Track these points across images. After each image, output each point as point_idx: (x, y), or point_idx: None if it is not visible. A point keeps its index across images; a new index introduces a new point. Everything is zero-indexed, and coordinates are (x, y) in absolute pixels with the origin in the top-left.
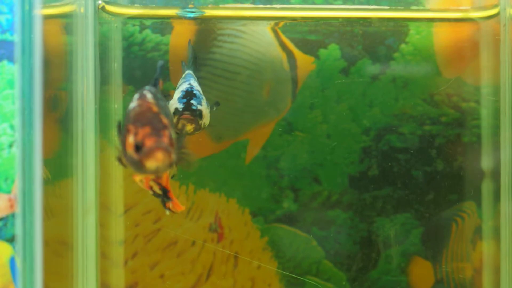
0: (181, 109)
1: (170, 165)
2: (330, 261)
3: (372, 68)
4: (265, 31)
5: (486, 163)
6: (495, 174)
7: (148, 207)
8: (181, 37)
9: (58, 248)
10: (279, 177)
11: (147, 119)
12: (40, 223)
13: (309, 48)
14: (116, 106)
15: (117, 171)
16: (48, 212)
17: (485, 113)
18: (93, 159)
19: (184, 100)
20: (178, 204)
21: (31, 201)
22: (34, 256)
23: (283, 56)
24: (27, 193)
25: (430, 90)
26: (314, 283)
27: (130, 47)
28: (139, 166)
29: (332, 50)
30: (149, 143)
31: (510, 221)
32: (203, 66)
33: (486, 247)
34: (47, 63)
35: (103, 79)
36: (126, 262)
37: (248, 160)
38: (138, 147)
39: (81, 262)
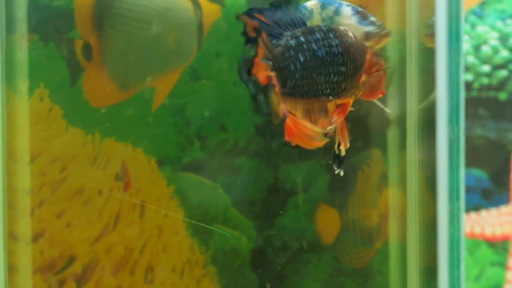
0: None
1: None
2: (236, 208)
3: None
4: None
5: (391, 110)
6: (401, 121)
7: (54, 156)
8: None
9: None
10: (186, 125)
11: None
12: None
13: None
14: (21, 55)
15: (23, 120)
16: None
17: (391, 60)
18: None
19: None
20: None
21: None
22: None
23: (188, 4)
24: None
25: None
26: (221, 231)
27: None
28: None
29: None
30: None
31: (416, 167)
32: (109, 14)
33: (392, 193)
34: None
35: (8, 28)
36: (32, 211)
37: (154, 108)
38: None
39: None
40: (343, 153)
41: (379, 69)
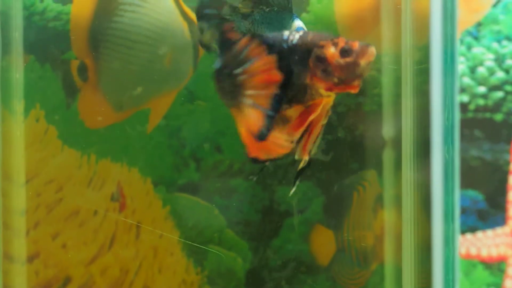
0: None
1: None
2: (232, 230)
3: None
4: (166, 0)
5: (387, 131)
6: (396, 143)
7: (50, 177)
8: (82, 6)
9: None
10: (181, 147)
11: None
12: None
13: None
14: (17, 76)
15: (19, 141)
16: None
17: (386, 81)
18: None
19: None
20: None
21: None
22: None
23: (184, 25)
24: None
25: None
26: (216, 252)
27: (31, 16)
28: (352, 69)
29: None
30: (356, 44)
31: (411, 188)
32: (104, 35)
33: (387, 215)
34: None
35: (4, 49)
36: (28, 232)
37: (150, 129)
38: (346, 51)
39: None
40: (301, 165)
41: (326, 68)
